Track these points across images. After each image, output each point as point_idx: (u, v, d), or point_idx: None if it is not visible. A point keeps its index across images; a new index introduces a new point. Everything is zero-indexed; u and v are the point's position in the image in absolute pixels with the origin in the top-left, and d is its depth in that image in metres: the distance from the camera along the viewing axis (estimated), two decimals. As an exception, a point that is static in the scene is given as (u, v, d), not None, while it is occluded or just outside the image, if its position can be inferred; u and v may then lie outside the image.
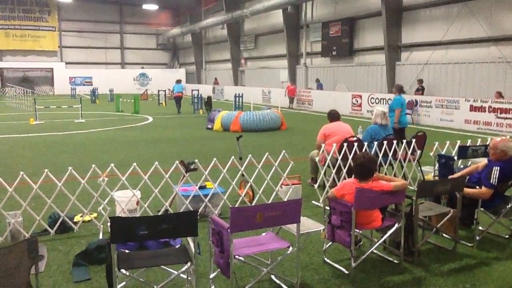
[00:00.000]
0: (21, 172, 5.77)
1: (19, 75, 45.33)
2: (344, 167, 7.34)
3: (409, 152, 8.00)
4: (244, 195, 6.91)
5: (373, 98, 22.16)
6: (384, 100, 21.23)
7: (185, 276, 4.21)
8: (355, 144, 7.46)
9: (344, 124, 8.37)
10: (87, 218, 6.18)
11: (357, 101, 23.05)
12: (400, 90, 11.44)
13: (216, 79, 42.66)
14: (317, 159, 7.47)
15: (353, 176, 4.96)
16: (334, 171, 7.32)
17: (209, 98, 23.96)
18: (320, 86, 28.30)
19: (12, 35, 45.86)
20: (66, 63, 47.56)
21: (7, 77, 44.13)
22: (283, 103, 26.88)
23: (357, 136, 8.59)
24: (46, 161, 10.64)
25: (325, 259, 5.05)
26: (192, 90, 29.95)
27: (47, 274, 4.71)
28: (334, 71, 28.14)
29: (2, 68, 44.24)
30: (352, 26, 26.13)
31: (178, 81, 26.34)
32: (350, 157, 7.28)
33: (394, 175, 7.42)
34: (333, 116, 8.39)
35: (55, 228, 5.90)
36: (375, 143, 7.78)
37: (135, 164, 6.11)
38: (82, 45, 48.96)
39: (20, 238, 5.63)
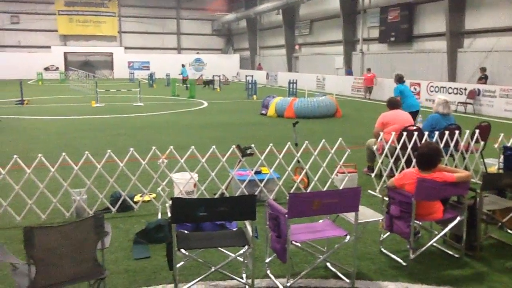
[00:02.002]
0: (86, 152, 6.03)
1: (81, 59, 47.18)
2: (403, 157, 7.15)
3: (472, 143, 7.68)
4: (299, 182, 6.89)
5: (433, 86, 21.39)
6: (444, 89, 20.45)
7: (241, 259, 4.27)
8: (415, 133, 7.25)
9: (403, 112, 8.14)
10: (146, 198, 6.39)
11: (415, 89, 22.31)
12: (400, 80, 11.24)
13: (260, 64, 42.60)
14: (374, 147, 7.32)
15: (414, 165, 4.82)
16: (392, 161, 7.15)
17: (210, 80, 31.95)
18: (349, 72, 29.32)
19: (75, 20, 47.75)
20: (125, 48, 49.01)
21: (70, 61, 46.06)
22: (339, 89, 26.47)
23: (417, 125, 8.34)
24: (107, 142, 11.06)
25: (382, 249, 4.96)
26: (246, 76, 30.06)
27: (109, 250, 4.88)
28: (392, 58, 27.34)
29: (66, 53, 46.18)
30: (411, 11, 25.22)
31: (183, 65, 32.15)
32: (409, 147, 7.09)
33: (455, 167, 7.15)
34: (393, 104, 8.18)
35: (116, 206, 6.13)
36: (436, 132, 7.52)
37: (193, 147, 6.23)
38: (140, 31, 50.24)
39: (84, 215, 5.90)
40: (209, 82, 33.25)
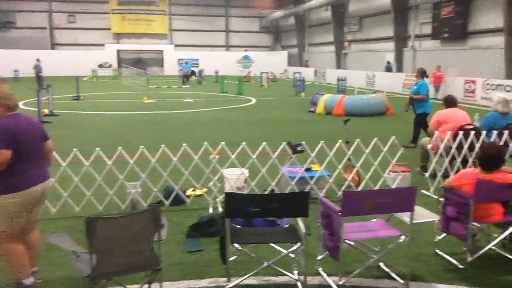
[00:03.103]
0: (141, 147, 6.20)
1: (133, 56, 48.54)
2: (458, 156, 6.92)
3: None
4: (350, 180, 6.81)
5: (489, 84, 20.54)
6: (502, 87, 19.58)
7: (293, 256, 4.27)
8: (472, 132, 6.99)
9: (460, 110, 7.86)
10: (198, 192, 6.50)
11: (470, 87, 21.52)
12: (423, 74, 10.78)
13: (306, 61, 42.33)
14: (428, 146, 7.13)
15: (470, 165, 4.65)
16: (447, 160, 6.93)
17: (193, 72, 33.34)
18: (388, 69, 29.00)
19: (127, 19, 49.22)
20: (175, 45, 49.96)
21: (123, 58, 47.49)
22: (389, 87, 25.90)
23: (474, 124, 8.04)
24: (159, 137, 11.33)
25: (437, 251, 4.83)
26: (294, 73, 29.97)
27: (163, 242, 5.00)
28: (445, 55, 26.48)
29: (118, 50, 47.64)
30: (466, 6, 24.35)
31: (187, 62, 35.31)
32: (465, 146, 6.85)
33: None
34: (450, 101, 7.91)
35: (169, 200, 6.28)
36: (494, 132, 7.22)
37: (244, 143, 6.28)
38: (189, 28, 51.10)
39: (139, 207, 6.08)
40: (191, 74, 33.26)
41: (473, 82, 21.44)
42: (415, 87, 10.65)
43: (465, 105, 19.53)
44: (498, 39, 21.94)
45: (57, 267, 4.50)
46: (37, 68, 28.45)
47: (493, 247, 4.75)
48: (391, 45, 30.84)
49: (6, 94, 3.86)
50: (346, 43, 38.63)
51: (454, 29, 25.04)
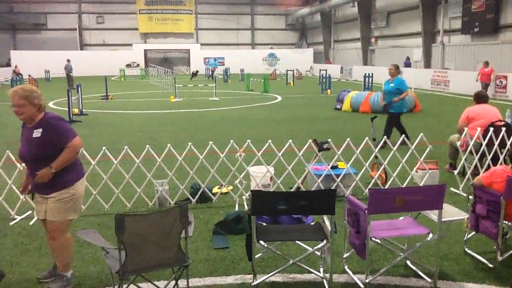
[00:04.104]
0: (168, 145, 6.29)
1: (160, 55, 49.11)
2: (489, 154, 6.77)
3: None
4: (377, 178, 6.75)
5: (521, 79, 19.98)
6: (535, 82, 19.02)
7: (319, 253, 4.26)
8: (503, 129, 6.83)
9: (491, 107, 7.66)
10: (224, 190, 6.55)
11: (501, 83, 20.98)
12: (399, 70, 10.22)
13: (329, 59, 42.15)
14: (458, 143, 7.00)
15: (501, 163, 4.55)
16: (477, 158, 6.79)
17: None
18: (407, 64, 29.10)
19: (154, 19, 49.82)
20: (201, 44, 50.30)
21: (150, 57, 48.10)
22: (418, 83, 25.44)
23: (505, 120, 7.85)
24: (186, 136, 11.45)
25: (466, 249, 4.74)
26: (320, 70, 29.78)
27: (190, 239, 5.07)
28: (475, 50, 25.89)
29: (146, 50, 48.27)
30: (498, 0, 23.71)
31: (215, 59, 38.82)
32: (496, 143, 6.70)
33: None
34: (481, 97, 7.69)
35: (196, 197, 6.34)
36: (527, 128, 7.04)
37: (270, 141, 6.29)
38: (215, 27, 51.39)
39: (166, 205, 6.17)
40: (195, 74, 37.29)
41: (505, 77, 20.89)
42: (392, 85, 9.79)
43: (496, 101, 19.09)
44: (531, 33, 21.36)
45: (89, 262, 4.61)
46: (68, 69, 29.10)
47: (525, 246, 4.65)
48: (419, 40, 30.33)
49: (40, 94, 4.00)
50: (373, 39, 38.16)
51: (485, 23, 24.43)
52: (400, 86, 9.72)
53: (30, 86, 4.05)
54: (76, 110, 15.66)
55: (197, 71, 37.06)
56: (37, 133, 3.89)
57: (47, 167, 3.86)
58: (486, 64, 21.03)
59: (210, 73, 38.50)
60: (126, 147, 6.18)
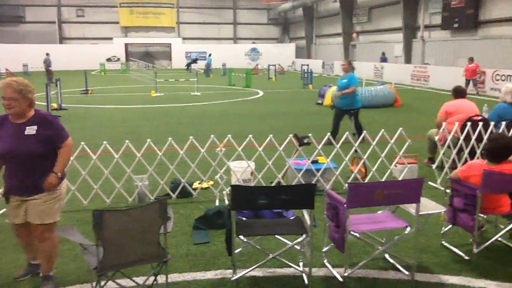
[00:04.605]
0: (148, 140, 6.24)
1: (141, 50, 48.61)
2: (466, 148, 6.88)
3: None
4: (357, 172, 6.80)
5: (499, 75, 20.33)
6: (512, 77, 19.37)
7: (298, 248, 4.28)
8: (480, 123, 6.94)
9: (468, 101, 7.77)
10: (205, 185, 6.53)
11: (480, 78, 21.30)
12: (352, 66, 10.41)
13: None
14: (436, 138, 7.09)
15: (478, 157, 4.63)
16: (454, 152, 6.89)
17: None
18: (383, 60, 30.53)
19: (135, 12, 49.22)
20: (183, 38, 49.92)
21: (131, 52, 47.58)
22: (398, 78, 25.69)
23: (482, 115, 7.97)
24: (167, 131, 11.37)
25: (443, 242, 4.82)
26: (302, 65, 29.84)
27: (170, 234, 5.01)
28: (455, 46, 26.21)
29: (126, 44, 47.72)
30: (477, -5, 24.03)
31: (210, 55, 36.26)
32: (473, 138, 6.80)
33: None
34: (458, 92, 7.80)
35: (176, 192, 6.31)
36: (503, 123, 7.15)
37: (250, 136, 6.29)
38: (197, 21, 51.02)
39: (146, 200, 6.12)
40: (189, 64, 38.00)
41: (484, 73, 21.22)
42: (345, 80, 9.97)
43: (475, 96, 19.37)
44: (510, 29, 21.66)
45: (68, 259, 4.55)
46: (47, 63, 28.63)
47: (500, 239, 4.73)
48: (400, 36, 30.59)
49: (33, 89, 3.88)
50: (354, 35, 38.36)
51: (465, 18, 24.73)
52: (351, 81, 9.90)
53: (23, 79, 3.86)
54: (55, 105, 15.42)
55: (196, 59, 35.98)
56: (30, 130, 3.77)
57: (52, 174, 3.82)
58: (471, 60, 21.30)
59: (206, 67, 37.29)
60: (105, 142, 6.10)
